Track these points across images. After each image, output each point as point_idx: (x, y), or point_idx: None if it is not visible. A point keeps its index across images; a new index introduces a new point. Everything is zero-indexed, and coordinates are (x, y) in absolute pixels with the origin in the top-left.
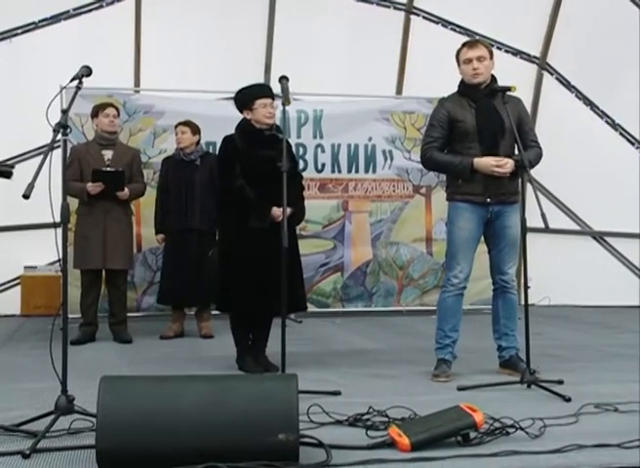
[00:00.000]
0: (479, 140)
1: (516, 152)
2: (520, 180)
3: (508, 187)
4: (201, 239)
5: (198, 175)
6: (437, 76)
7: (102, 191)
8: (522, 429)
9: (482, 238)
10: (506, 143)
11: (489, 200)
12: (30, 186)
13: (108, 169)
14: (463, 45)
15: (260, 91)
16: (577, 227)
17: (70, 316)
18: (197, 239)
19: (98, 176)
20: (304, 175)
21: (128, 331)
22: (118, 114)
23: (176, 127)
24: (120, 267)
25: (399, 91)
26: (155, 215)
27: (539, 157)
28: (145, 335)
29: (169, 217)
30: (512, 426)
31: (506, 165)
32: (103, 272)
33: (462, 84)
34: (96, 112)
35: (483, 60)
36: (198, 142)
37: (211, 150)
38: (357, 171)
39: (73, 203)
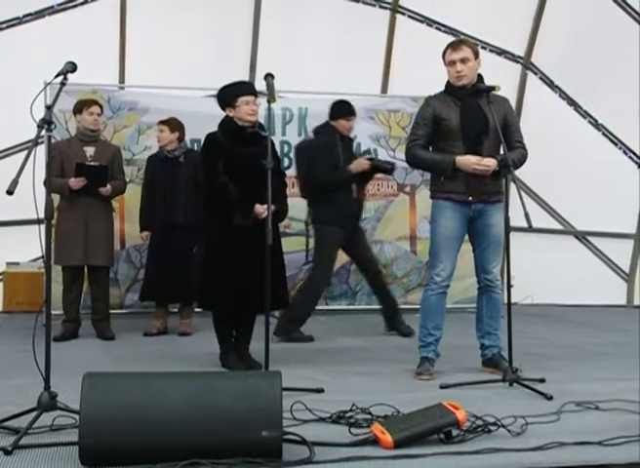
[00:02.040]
0: (463, 139)
1: (501, 152)
2: (504, 180)
3: (491, 186)
4: (186, 235)
5: (182, 172)
6: (422, 75)
7: (84, 186)
8: (504, 427)
9: (467, 237)
10: (491, 143)
11: (471, 198)
12: (14, 182)
13: (92, 163)
14: (448, 46)
15: (243, 88)
16: (560, 227)
17: (53, 312)
18: (182, 235)
19: (81, 171)
20: (289, 172)
21: (111, 327)
22: (102, 111)
23: (157, 125)
24: (101, 264)
25: (384, 89)
26: (140, 212)
27: (523, 158)
28: (129, 332)
29: (153, 214)
30: (494, 424)
31: (488, 164)
32: (85, 269)
33: (448, 83)
34: (80, 108)
35: (467, 62)
36: (181, 139)
37: (195, 147)
38: None
39: (56, 199)
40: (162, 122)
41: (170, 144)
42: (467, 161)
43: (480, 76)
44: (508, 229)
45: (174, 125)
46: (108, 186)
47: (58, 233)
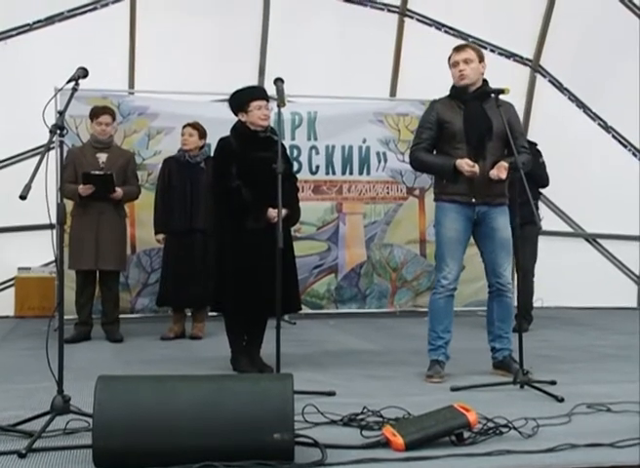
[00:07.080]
0: (466, 142)
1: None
2: (518, 183)
3: (494, 189)
4: (205, 240)
5: (204, 177)
6: (431, 78)
7: (94, 193)
8: (515, 429)
9: (472, 239)
10: (495, 145)
11: (474, 200)
12: (27, 187)
13: (97, 172)
14: (452, 50)
15: (255, 93)
16: (569, 229)
17: (65, 317)
18: (202, 240)
19: (87, 179)
20: (299, 176)
21: (119, 330)
22: (114, 118)
23: (183, 127)
24: (112, 268)
25: (393, 93)
26: (155, 215)
27: (529, 162)
28: (140, 336)
29: (172, 218)
30: (505, 426)
31: (500, 176)
32: (97, 273)
33: (453, 87)
34: (91, 117)
35: (470, 63)
36: (203, 146)
37: (206, 151)
38: (351, 172)
39: (69, 204)
40: (191, 126)
41: (195, 150)
42: (460, 167)
43: (485, 81)
44: (516, 233)
45: (202, 131)
46: (119, 190)
47: (71, 238)
